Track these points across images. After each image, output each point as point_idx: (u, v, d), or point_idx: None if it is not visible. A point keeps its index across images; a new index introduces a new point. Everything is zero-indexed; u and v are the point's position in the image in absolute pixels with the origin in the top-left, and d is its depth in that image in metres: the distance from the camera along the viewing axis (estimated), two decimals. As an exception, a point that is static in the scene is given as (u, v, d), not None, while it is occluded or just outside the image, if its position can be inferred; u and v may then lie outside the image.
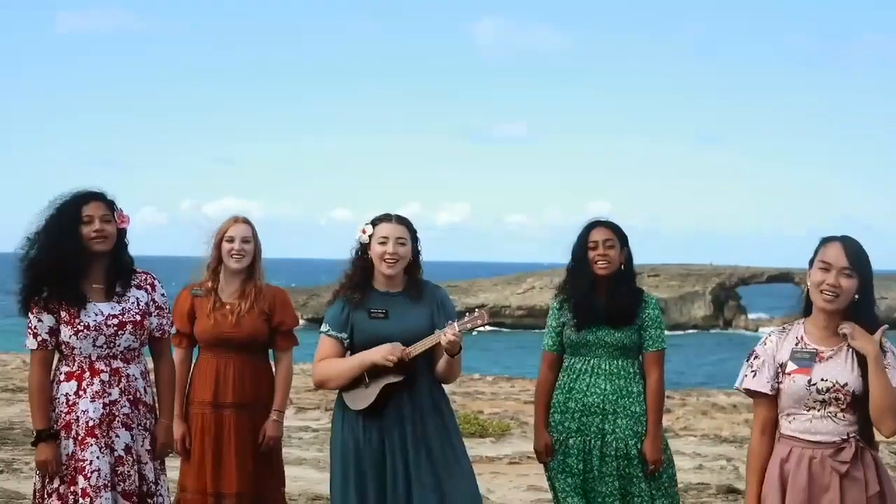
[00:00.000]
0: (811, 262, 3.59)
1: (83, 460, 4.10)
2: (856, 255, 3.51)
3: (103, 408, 4.13)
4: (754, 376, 3.64)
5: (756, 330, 49.34)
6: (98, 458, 4.10)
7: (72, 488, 4.09)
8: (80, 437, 4.11)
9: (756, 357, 3.66)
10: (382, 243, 4.27)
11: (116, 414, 4.16)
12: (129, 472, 4.16)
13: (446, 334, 4.11)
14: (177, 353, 4.96)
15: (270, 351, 5.09)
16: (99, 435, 4.11)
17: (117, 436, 4.15)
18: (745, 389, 3.69)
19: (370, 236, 4.30)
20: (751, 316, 54.98)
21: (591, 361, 4.69)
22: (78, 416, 4.12)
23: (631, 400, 4.64)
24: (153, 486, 4.23)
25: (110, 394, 4.15)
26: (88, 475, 4.08)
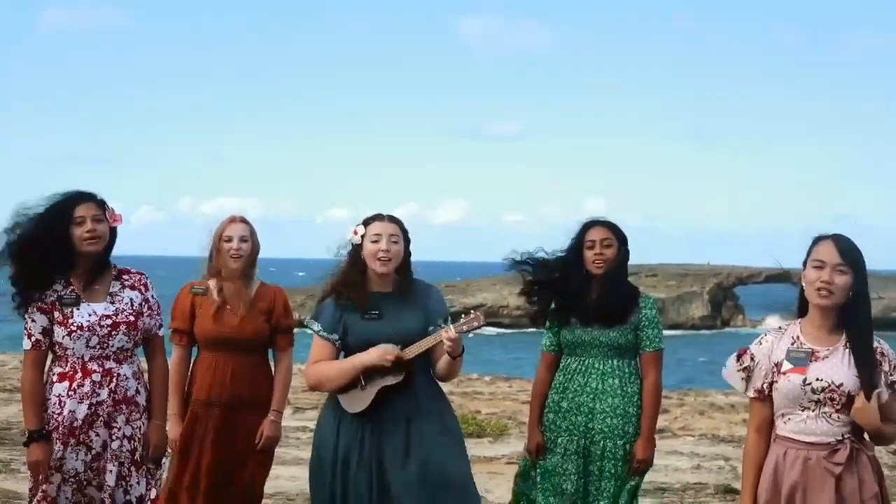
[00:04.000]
0: (805, 262, 3.61)
1: (63, 459, 4.11)
2: (848, 252, 3.52)
3: (88, 408, 4.13)
4: (746, 381, 3.65)
5: (754, 329, 49.35)
6: (73, 458, 4.12)
7: (45, 486, 4.09)
8: (63, 438, 4.11)
9: (751, 358, 3.66)
10: (375, 241, 4.25)
11: (100, 414, 4.15)
12: (103, 466, 4.15)
13: (446, 336, 4.11)
14: (176, 352, 4.97)
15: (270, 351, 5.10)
16: (77, 434, 4.12)
17: (97, 434, 4.14)
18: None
19: (362, 236, 4.29)
20: (748, 316, 55.01)
21: (587, 361, 4.69)
22: (66, 417, 4.12)
23: (625, 400, 4.64)
24: (130, 490, 4.20)
25: (99, 394, 4.15)
26: (64, 473, 4.11)
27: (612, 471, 4.61)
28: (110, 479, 4.14)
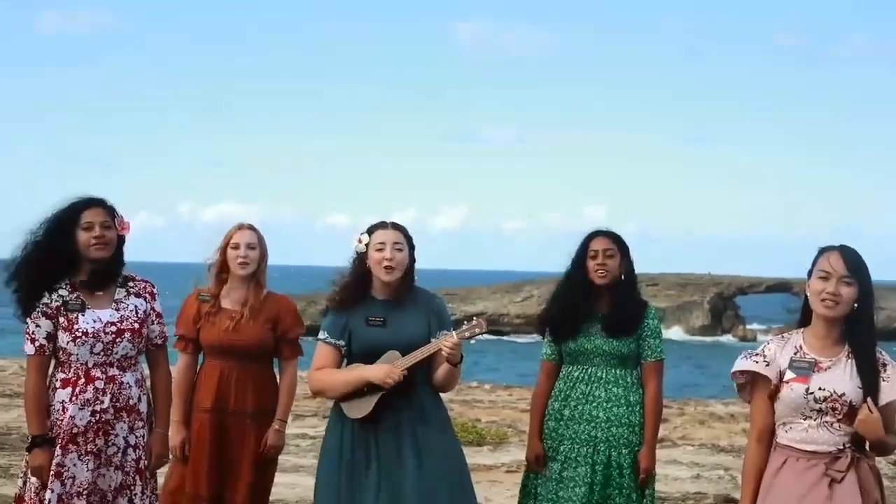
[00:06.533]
0: (810, 273, 3.62)
1: (62, 466, 4.09)
2: (855, 263, 3.53)
3: (91, 415, 4.12)
4: (757, 361, 3.62)
5: (754, 339, 49.30)
6: (76, 465, 4.09)
7: (46, 494, 4.07)
8: (63, 443, 4.10)
9: (760, 354, 3.67)
10: (380, 250, 4.27)
11: (102, 421, 4.14)
12: (102, 473, 4.14)
13: (446, 343, 4.12)
14: (182, 359, 4.97)
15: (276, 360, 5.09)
16: (81, 442, 4.11)
17: (99, 442, 4.14)
18: (748, 372, 3.64)
19: (367, 245, 4.31)
20: (749, 326, 55.00)
21: (589, 370, 4.70)
22: (67, 423, 4.11)
23: (628, 409, 4.64)
24: (135, 499, 4.19)
25: (102, 402, 4.14)
26: (64, 481, 4.08)
27: (617, 480, 4.61)
28: (107, 488, 4.13)
